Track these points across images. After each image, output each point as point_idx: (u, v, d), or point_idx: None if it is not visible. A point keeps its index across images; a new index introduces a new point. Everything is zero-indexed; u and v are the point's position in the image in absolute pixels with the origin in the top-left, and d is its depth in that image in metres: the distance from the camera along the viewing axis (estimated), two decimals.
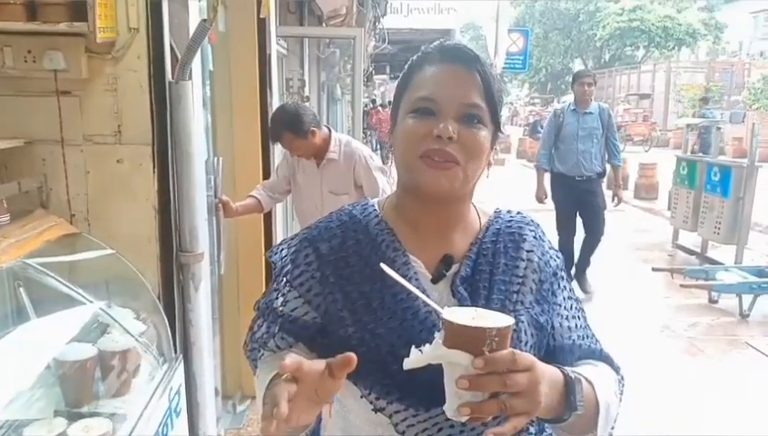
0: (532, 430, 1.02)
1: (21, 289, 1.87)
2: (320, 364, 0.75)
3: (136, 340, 1.97)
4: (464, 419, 0.78)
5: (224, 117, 3.38)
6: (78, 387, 1.79)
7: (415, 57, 1.04)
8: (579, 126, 5.43)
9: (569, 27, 35.99)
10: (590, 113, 5.45)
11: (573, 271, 5.66)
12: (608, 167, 5.65)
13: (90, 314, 1.90)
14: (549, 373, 0.86)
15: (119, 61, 2.01)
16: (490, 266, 1.02)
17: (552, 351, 1.04)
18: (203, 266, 2.29)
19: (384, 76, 21.50)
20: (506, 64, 13.75)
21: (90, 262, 2.02)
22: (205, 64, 2.63)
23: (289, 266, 1.05)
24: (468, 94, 0.96)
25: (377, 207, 1.08)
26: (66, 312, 1.84)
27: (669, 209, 7.93)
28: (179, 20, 2.14)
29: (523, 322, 0.99)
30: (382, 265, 0.82)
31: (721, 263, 6.28)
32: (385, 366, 0.92)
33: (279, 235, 3.80)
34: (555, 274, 1.08)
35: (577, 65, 38.79)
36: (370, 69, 12.64)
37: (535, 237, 1.08)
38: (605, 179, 5.73)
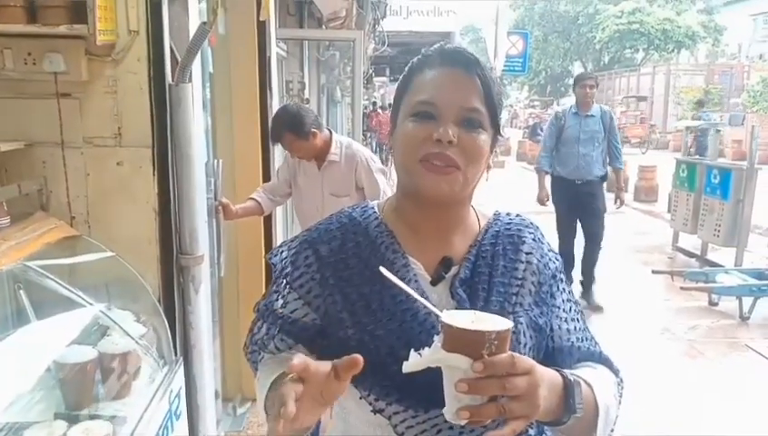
0: (531, 432, 1.02)
1: (21, 291, 1.87)
2: (326, 366, 0.76)
3: (136, 342, 1.97)
4: (463, 422, 0.79)
5: (224, 120, 3.38)
6: (78, 389, 1.79)
7: (415, 60, 1.04)
8: (581, 129, 5.35)
9: (569, 30, 36.03)
10: (592, 115, 5.37)
11: (580, 280, 5.53)
12: (609, 170, 5.55)
13: (90, 317, 1.90)
14: (548, 376, 0.86)
15: (119, 63, 2.01)
16: (489, 268, 1.02)
17: (551, 353, 1.04)
18: (203, 269, 2.29)
19: (384, 79, 21.51)
20: (505, 66, 13.76)
21: (90, 264, 2.03)
22: (205, 66, 2.64)
23: (289, 268, 1.05)
24: (468, 98, 0.96)
25: (376, 209, 1.09)
26: (66, 314, 1.84)
27: (669, 211, 7.93)
28: (179, 23, 2.14)
29: (522, 323, 1.00)
30: (381, 269, 0.82)
31: (721, 266, 6.28)
32: (384, 367, 0.92)
33: (279, 238, 3.80)
34: (554, 277, 1.08)
35: (577, 68, 38.86)
36: (370, 71, 12.67)
37: (534, 239, 1.08)
38: (605, 183, 5.63)
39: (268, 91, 3.49)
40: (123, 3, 1.96)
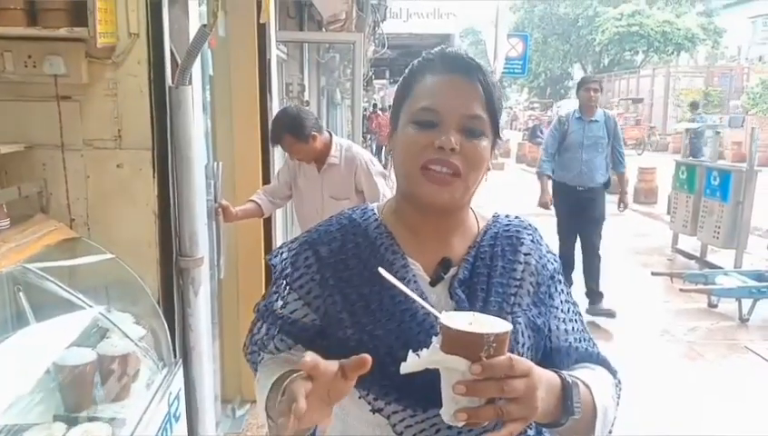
0: (530, 433, 1.02)
1: (21, 293, 1.87)
2: (333, 365, 0.76)
3: (136, 344, 1.97)
4: (460, 424, 0.79)
5: (224, 122, 3.38)
6: (77, 391, 1.79)
7: (416, 63, 1.04)
8: (584, 135, 5.19)
9: (568, 32, 36.03)
10: (596, 121, 5.21)
11: (585, 292, 5.30)
12: (612, 174, 5.41)
13: (89, 319, 1.90)
14: (546, 378, 0.86)
15: (119, 66, 2.02)
16: (488, 269, 1.03)
17: (549, 354, 1.05)
18: (203, 271, 2.29)
19: (384, 81, 21.52)
20: (505, 68, 13.77)
21: (90, 266, 2.03)
22: (205, 68, 2.64)
23: (289, 269, 1.05)
24: (470, 106, 0.96)
25: (376, 211, 1.09)
26: (66, 316, 1.84)
27: (668, 213, 7.94)
28: (179, 25, 2.15)
29: (520, 323, 1.00)
30: (380, 270, 0.82)
31: (720, 268, 6.29)
32: (383, 367, 0.92)
33: (278, 240, 3.80)
34: (552, 278, 1.08)
35: (576, 70, 38.90)
36: (370, 74, 12.65)
37: (532, 241, 1.09)
38: (607, 189, 5.42)
39: (268, 93, 3.49)
40: (123, 5, 1.97)
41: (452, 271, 1.02)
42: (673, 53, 32.67)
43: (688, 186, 7.09)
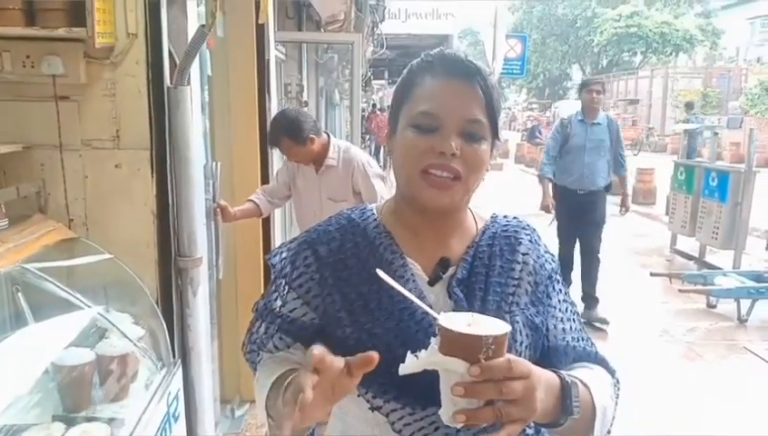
0: (529, 432, 1.03)
1: (19, 294, 1.87)
2: (340, 361, 0.76)
3: (134, 344, 1.96)
4: (459, 425, 0.79)
5: (223, 122, 3.38)
6: (76, 392, 1.79)
7: (415, 64, 1.04)
8: (587, 138, 5.10)
9: (567, 33, 36.07)
10: (598, 124, 5.12)
11: (581, 296, 5.21)
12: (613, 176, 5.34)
13: (88, 319, 1.90)
14: (545, 378, 0.86)
15: (117, 66, 2.01)
16: (486, 268, 1.03)
17: (546, 353, 1.05)
18: (202, 271, 2.29)
19: (382, 81, 21.54)
20: (504, 69, 13.77)
21: (88, 266, 2.02)
22: (204, 69, 2.64)
23: (288, 268, 1.06)
24: (470, 110, 0.97)
25: (375, 212, 1.10)
26: (64, 316, 1.84)
27: (667, 214, 7.95)
28: (177, 25, 2.15)
29: (518, 322, 1.00)
30: (378, 271, 0.82)
31: (719, 268, 6.29)
32: (382, 366, 0.93)
33: (277, 240, 3.80)
34: (550, 277, 1.09)
35: (575, 71, 38.97)
36: (369, 74, 12.66)
37: (530, 241, 1.10)
38: (608, 192, 5.35)
39: (266, 94, 3.49)
40: (121, 6, 1.97)
41: (450, 270, 1.03)
42: (671, 54, 32.73)
43: (687, 187, 7.10)
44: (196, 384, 2.28)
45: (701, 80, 28.11)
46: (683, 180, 7.21)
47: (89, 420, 1.73)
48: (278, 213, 3.83)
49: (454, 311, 0.98)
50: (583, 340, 1.09)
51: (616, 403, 1.03)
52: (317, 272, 1.03)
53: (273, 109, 3.60)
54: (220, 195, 2.93)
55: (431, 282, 1.02)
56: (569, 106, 26.01)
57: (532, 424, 0.99)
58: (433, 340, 0.81)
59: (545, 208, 5.30)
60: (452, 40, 13.73)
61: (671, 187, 7.55)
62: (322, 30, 6.91)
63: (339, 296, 1.00)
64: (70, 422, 1.69)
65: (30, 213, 2.03)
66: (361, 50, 6.00)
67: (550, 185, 5.30)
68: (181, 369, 2.16)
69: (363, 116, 16.35)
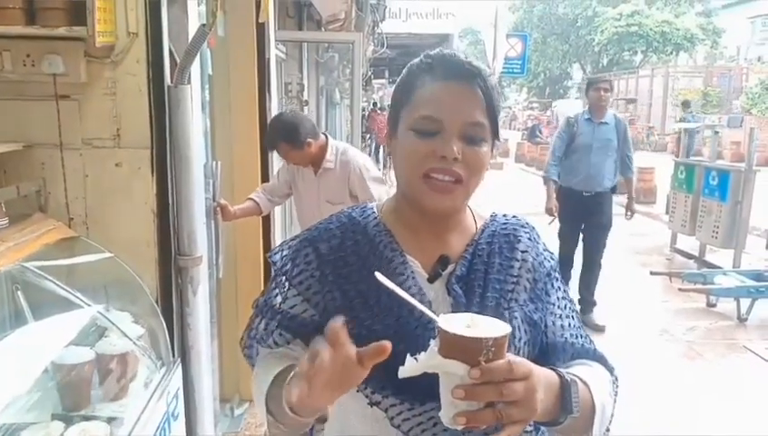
0: (528, 428, 1.03)
1: (19, 292, 1.87)
2: (352, 346, 0.76)
3: (134, 343, 1.96)
4: (460, 427, 0.79)
5: (223, 121, 3.38)
6: (76, 390, 1.79)
7: (414, 66, 1.04)
8: (594, 137, 4.95)
9: (567, 32, 36.06)
10: (606, 123, 4.97)
11: (578, 299, 5.09)
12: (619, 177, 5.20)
13: (88, 318, 1.90)
14: (545, 377, 0.86)
15: (118, 65, 2.01)
16: (485, 266, 1.04)
17: (545, 349, 1.05)
18: (202, 270, 2.29)
19: (383, 81, 21.54)
20: (504, 68, 13.76)
21: (88, 265, 2.02)
22: (204, 68, 2.64)
23: (288, 265, 1.06)
24: (471, 113, 0.97)
25: (375, 210, 1.11)
26: (64, 315, 1.84)
27: (667, 213, 7.95)
28: (178, 25, 2.15)
29: (517, 318, 1.01)
30: (377, 274, 0.82)
31: (719, 267, 6.29)
32: (381, 361, 0.93)
33: (277, 239, 3.80)
34: (549, 275, 1.10)
35: (575, 70, 38.95)
36: (369, 73, 12.67)
37: (530, 239, 1.10)
38: (614, 193, 5.19)
39: (267, 93, 3.49)
40: (122, 5, 1.97)
41: (450, 267, 1.03)
42: (672, 53, 32.71)
43: (687, 186, 7.10)
44: (196, 383, 2.28)
45: (701, 79, 28.09)
46: (683, 179, 7.21)
47: (88, 418, 1.73)
48: (278, 211, 3.83)
49: (453, 307, 0.99)
50: (581, 337, 1.10)
51: (615, 401, 1.04)
52: (317, 269, 1.03)
53: (274, 108, 3.60)
54: (220, 194, 2.93)
55: (431, 280, 1.02)
56: (568, 105, 26.02)
57: (531, 423, 0.99)
58: (432, 342, 0.80)
59: (548, 211, 5.14)
60: (452, 39, 13.74)
61: (671, 186, 7.55)
62: (323, 29, 6.90)
63: (340, 293, 1.01)
64: (69, 421, 1.69)
65: (30, 211, 2.04)
66: (362, 49, 6.00)
67: (554, 188, 5.15)
68: (180, 368, 2.16)
69: (363, 115, 16.35)
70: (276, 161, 3.70)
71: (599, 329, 4.95)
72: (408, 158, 0.99)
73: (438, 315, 0.82)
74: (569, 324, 1.09)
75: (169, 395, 1.99)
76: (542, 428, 1.03)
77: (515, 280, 1.05)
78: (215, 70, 3.13)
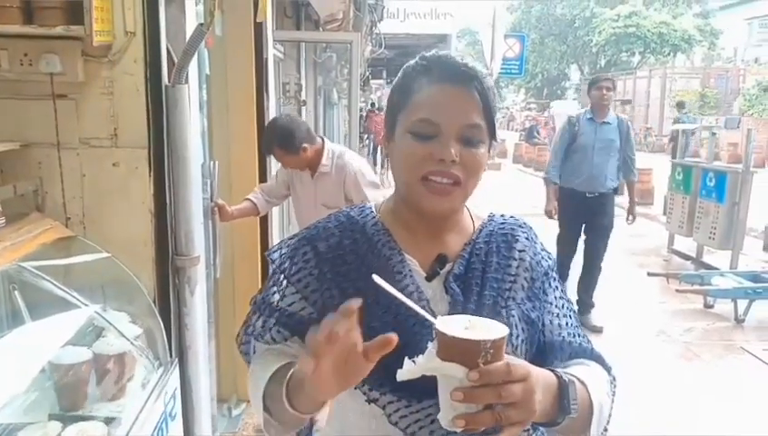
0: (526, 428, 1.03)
1: (16, 292, 1.86)
2: (359, 338, 0.76)
3: (131, 343, 1.96)
4: (459, 430, 0.79)
5: (221, 121, 3.38)
6: (73, 390, 1.78)
7: (411, 67, 1.04)
8: (596, 137, 4.86)
9: (565, 33, 36.10)
10: (608, 123, 4.89)
11: (576, 300, 5.05)
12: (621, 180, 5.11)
13: (85, 318, 1.90)
14: (543, 378, 0.86)
15: (115, 64, 2.01)
16: (483, 264, 1.05)
17: (542, 348, 1.06)
18: (199, 270, 2.29)
19: (381, 81, 21.55)
20: (502, 69, 13.81)
21: (85, 265, 2.02)
22: (202, 67, 2.63)
23: (287, 263, 1.07)
24: (469, 115, 0.97)
25: (374, 210, 1.11)
26: (61, 315, 1.83)
27: (665, 214, 7.96)
28: (176, 24, 2.14)
29: (514, 316, 1.02)
30: (375, 277, 0.83)
31: (716, 268, 6.30)
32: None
33: (275, 239, 3.80)
34: (546, 274, 1.10)
35: (573, 71, 38.99)
36: (367, 74, 12.67)
37: (527, 238, 1.11)
38: (616, 196, 5.14)
39: (264, 93, 3.49)
40: (119, 4, 1.96)
41: (447, 266, 1.04)
42: (669, 54, 32.77)
43: (684, 187, 7.11)
44: (193, 383, 2.28)
45: (699, 80, 28.15)
46: (680, 180, 7.22)
47: (86, 419, 1.73)
48: (275, 212, 3.82)
49: (450, 305, 1.00)
50: (579, 336, 1.10)
51: (613, 400, 1.04)
52: (315, 267, 1.04)
53: (271, 108, 3.60)
54: (217, 194, 2.93)
55: (428, 278, 1.03)
56: (565, 106, 26.05)
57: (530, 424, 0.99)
58: (430, 344, 0.80)
59: (547, 213, 5.10)
60: (451, 40, 13.76)
61: (668, 187, 7.56)
62: (321, 29, 6.90)
63: (338, 291, 1.01)
64: (66, 421, 1.69)
65: (27, 211, 2.03)
66: (360, 49, 5.99)
67: (555, 190, 5.08)
68: (178, 368, 2.16)
69: (361, 116, 16.34)
70: (274, 161, 3.69)
71: (597, 330, 4.93)
72: (406, 161, 0.99)
73: (435, 316, 0.82)
74: (567, 323, 1.09)
75: (166, 395, 1.99)
76: (540, 428, 1.03)
77: (512, 278, 1.05)
78: (213, 70, 3.12)
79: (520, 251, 1.08)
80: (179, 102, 2.08)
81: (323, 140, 3.22)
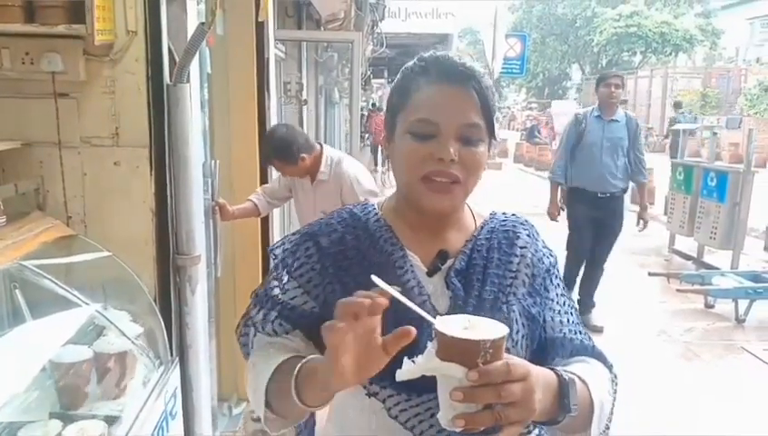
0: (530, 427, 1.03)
1: (17, 291, 1.87)
2: (379, 328, 0.77)
3: (132, 342, 1.96)
4: (458, 429, 0.79)
5: (222, 120, 3.38)
6: (73, 389, 1.78)
7: (409, 68, 1.05)
8: (604, 136, 4.73)
9: (566, 33, 36.07)
10: (616, 121, 4.76)
11: (577, 299, 4.97)
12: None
13: (86, 316, 1.90)
14: (543, 377, 0.87)
15: (117, 63, 2.01)
16: (484, 260, 1.05)
17: (544, 344, 1.06)
18: (200, 269, 2.29)
19: (382, 80, 21.51)
20: (503, 68, 13.81)
21: (86, 264, 2.02)
22: (203, 67, 2.64)
23: (289, 258, 1.08)
24: (468, 114, 0.98)
25: (376, 207, 1.13)
26: (62, 314, 1.84)
27: (666, 214, 7.95)
28: (177, 23, 2.14)
29: (515, 312, 1.02)
30: (373, 277, 0.83)
31: (717, 268, 6.29)
32: None
33: (276, 238, 3.80)
34: (548, 271, 1.11)
35: (575, 71, 38.96)
36: (368, 73, 12.66)
37: (528, 235, 1.12)
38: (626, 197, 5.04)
39: (266, 92, 3.49)
40: (121, 3, 1.96)
41: (449, 262, 1.05)
42: (671, 54, 32.73)
43: (685, 187, 7.11)
44: (194, 382, 2.28)
45: (700, 80, 28.11)
46: (681, 180, 7.21)
47: (86, 417, 1.73)
48: (276, 212, 3.83)
49: (452, 300, 1.01)
50: (580, 333, 1.11)
51: (614, 398, 1.05)
52: (318, 262, 1.05)
53: (273, 107, 3.60)
54: (218, 194, 2.93)
55: (430, 273, 1.04)
56: (564, 106, 25.99)
57: (530, 424, 0.99)
58: (430, 344, 0.81)
59: (550, 215, 5.01)
60: (452, 39, 13.75)
61: (669, 187, 7.56)
62: (322, 28, 6.90)
63: (340, 286, 1.02)
64: (67, 420, 1.69)
65: (28, 210, 2.03)
66: (361, 49, 6.00)
67: (559, 190, 4.98)
68: (178, 367, 2.16)
69: (362, 115, 16.34)
70: None
71: (597, 329, 4.89)
72: (406, 161, 1.00)
73: (436, 312, 0.83)
74: (568, 320, 1.10)
75: (167, 394, 1.99)
76: (539, 427, 1.03)
77: (513, 275, 1.06)
78: (214, 69, 3.12)
79: (521, 247, 1.09)
80: (180, 101, 2.08)
81: (322, 146, 3.24)
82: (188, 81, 2.10)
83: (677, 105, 17.48)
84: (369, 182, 3.28)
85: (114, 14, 1.95)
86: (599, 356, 1.10)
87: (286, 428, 1.00)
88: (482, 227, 1.10)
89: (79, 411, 1.76)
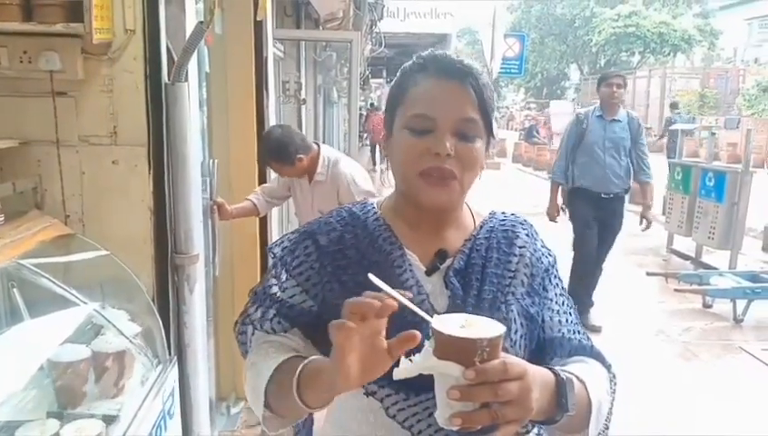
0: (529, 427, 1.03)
1: (15, 290, 1.86)
2: (384, 331, 0.78)
3: (130, 341, 1.96)
4: (455, 428, 0.79)
5: (220, 119, 3.38)
6: (71, 388, 1.78)
7: (408, 66, 1.06)
8: (605, 136, 4.70)
9: (565, 33, 36.09)
10: (618, 121, 4.72)
11: (581, 303, 4.81)
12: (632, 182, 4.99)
13: (84, 315, 1.90)
14: (541, 376, 0.87)
15: (115, 62, 2.01)
16: (483, 260, 1.05)
17: (542, 344, 1.06)
18: (198, 268, 2.29)
19: (380, 80, 21.56)
20: (502, 68, 13.79)
21: (84, 263, 2.02)
22: (201, 65, 2.63)
23: (288, 257, 1.07)
24: (464, 110, 0.99)
25: (375, 206, 1.13)
26: (60, 313, 1.83)
27: (664, 214, 7.96)
28: (175, 22, 2.14)
29: (513, 311, 1.02)
30: (371, 276, 0.83)
31: (715, 268, 6.30)
32: None
33: (274, 237, 3.79)
34: (547, 271, 1.11)
35: (573, 71, 38.99)
36: (367, 73, 12.67)
37: (527, 235, 1.12)
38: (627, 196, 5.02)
39: (264, 91, 3.49)
40: (119, 1, 1.96)
41: (448, 261, 1.05)
42: (669, 54, 32.75)
43: (683, 187, 7.12)
44: (192, 381, 2.28)
45: (699, 80, 28.15)
46: (679, 180, 7.22)
47: (84, 416, 1.73)
48: (275, 211, 3.82)
49: (450, 299, 1.01)
50: (579, 333, 1.11)
51: (613, 398, 1.05)
52: (317, 260, 1.05)
53: (271, 106, 3.60)
54: (217, 193, 2.93)
55: (428, 272, 1.04)
56: (562, 106, 26.01)
57: (528, 423, 0.99)
58: (427, 343, 0.80)
59: (549, 216, 4.99)
60: (451, 39, 13.77)
61: (667, 187, 7.56)
62: (321, 28, 6.90)
63: (338, 284, 1.02)
64: (65, 419, 1.69)
65: (26, 208, 2.03)
66: (360, 48, 5.99)
67: (560, 190, 4.96)
68: (176, 366, 2.16)
69: (361, 114, 16.34)
70: None
71: (595, 329, 4.88)
72: (403, 156, 1.01)
73: (435, 311, 0.83)
74: (567, 320, 1.10)
75: (165, 393, 1.99)
76: (538, 427, 1.03)
77: (512, 274, 1.06)
78: (212, 68, 3.12)
79: (520, 247, 1.09)
80: (178, 100, 2.08)
81: (319, 146, 3.24)
82: (186, 80, 2.09)
83: (673, 106, 17.52)
84: (366, 182, 3.28)
85: (113, 13, 1.95)
86: (598, 356, 1.10)
87: (284, 427, 1.00)
88: (481, 226, 1.10)
89: (77, 411, 1.76)
